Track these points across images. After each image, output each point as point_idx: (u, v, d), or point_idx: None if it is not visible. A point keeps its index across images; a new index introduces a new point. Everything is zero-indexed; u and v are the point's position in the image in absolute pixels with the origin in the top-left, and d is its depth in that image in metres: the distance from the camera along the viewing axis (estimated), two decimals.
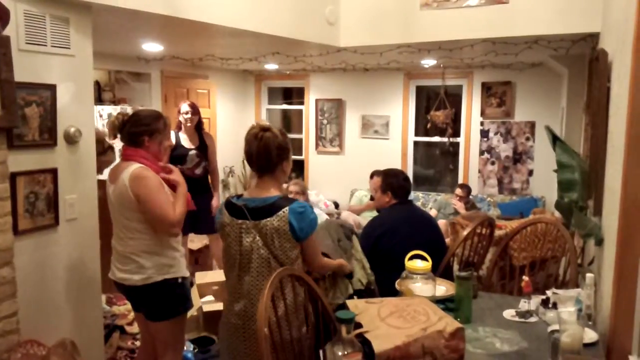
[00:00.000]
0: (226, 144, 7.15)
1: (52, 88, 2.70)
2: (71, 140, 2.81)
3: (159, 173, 2.55)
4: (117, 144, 2.88)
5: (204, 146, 4.78)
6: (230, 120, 7.64)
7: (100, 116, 5.42)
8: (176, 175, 2.62)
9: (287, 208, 2.09)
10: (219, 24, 3.63)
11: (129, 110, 5.63)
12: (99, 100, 5.67)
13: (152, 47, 5.05)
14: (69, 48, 2.79)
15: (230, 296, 2.18)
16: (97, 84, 5.70)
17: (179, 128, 4.72)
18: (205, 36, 4.34)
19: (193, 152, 4.70)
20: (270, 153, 2.15)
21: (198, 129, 4.80)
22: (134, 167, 2.47)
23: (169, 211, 2.44)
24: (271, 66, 7.00)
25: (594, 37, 3.98)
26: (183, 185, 2.62)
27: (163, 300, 2.56)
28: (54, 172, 2.74)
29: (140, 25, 3.80)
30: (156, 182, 2.47)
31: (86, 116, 2.94)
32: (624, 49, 2.30)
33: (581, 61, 4.91)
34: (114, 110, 5.61)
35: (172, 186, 2.60)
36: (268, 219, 2.08)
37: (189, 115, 4.68)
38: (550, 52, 4.92)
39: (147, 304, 2.60)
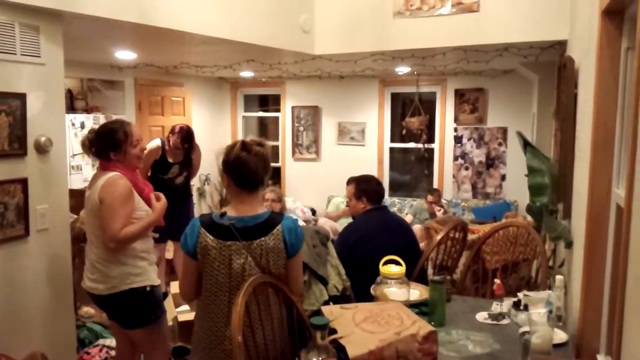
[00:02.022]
0: (202, 152, 7.10)
1: (21, 97, 2.65)
2: (42, 149, 2.77)
3: (139, 188, 2.58)
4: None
5: (188, 160, 4.82)
6: (206, 128, 7.59)
7: (73, 125, 5.34)
8: (159, 205, 2.64)
9: (280, 225, 2.01)
10: (192, 31, 3.62)
11: (102, 119, 5.59)
12: (72, 109, 5.58)
13: (125, 54, 5.01)
14: (39, 56, 2.75)
15: (219, 322, 2.01)
16: (69, 92, 5.61)
17: (168, 142, 4.70)
18: (179, 44, 4.33)
19: (176, 166, 4.73)
20: (267, 167, 2.08)
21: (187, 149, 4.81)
22: (111, 174, 2.51)
23: (115, 225, 2.42)
24: (247, 74, 6.99)
25: (562, 45, 4.08)
26: (157, 213, 2.62)
27: (133, 309, 2.56)
28: (24, 182, 2.69)
29: (112, 33, 3.76)
30: (124, 193, 2.48)
31: (57, 125, 2.90)
32: (588, 57, 2.37)
33: (551, 68, 5.02)
34: (87, 119, 5.54)
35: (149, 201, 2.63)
36: (262, 238, 1.99)
37: (180, 149, 4.68)
38: (520, 60, 5.03)
39: (117, 313, 2.61)
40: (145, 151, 3.16)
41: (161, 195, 2.72)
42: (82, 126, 5.47)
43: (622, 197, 1.77)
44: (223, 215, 2.02)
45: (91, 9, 2.89)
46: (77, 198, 3.75)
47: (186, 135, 4.68)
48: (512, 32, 4.07)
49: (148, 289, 2.57)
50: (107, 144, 2.56)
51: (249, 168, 2.02)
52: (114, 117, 5.65)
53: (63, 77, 2.93)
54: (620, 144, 1.96)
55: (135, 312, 2.56)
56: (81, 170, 5.35)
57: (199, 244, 2.00)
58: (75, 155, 5.33)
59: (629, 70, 1.89)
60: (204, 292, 2.05)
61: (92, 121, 5.58)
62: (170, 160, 4.71)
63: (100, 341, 3.55)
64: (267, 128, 8.42)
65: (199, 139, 5.05)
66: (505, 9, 4.06)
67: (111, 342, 3.46)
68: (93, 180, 2.60)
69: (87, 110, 5.80)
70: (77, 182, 5.27)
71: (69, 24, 3.00)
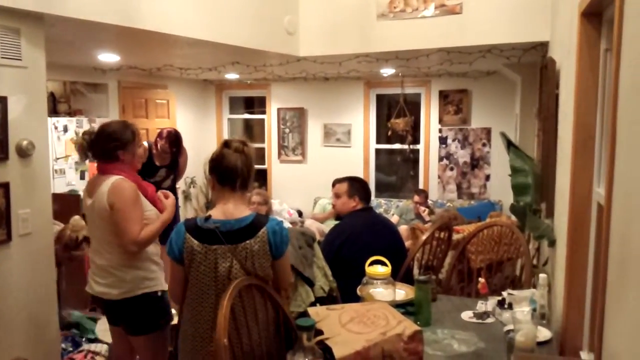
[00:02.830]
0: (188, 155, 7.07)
1: (2, 100, 2.61)
2: (24, 153, 2.73)
3: (142, 189, 2.56)
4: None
5: (175, 164, 4.80)
6: (191, 131, 7.55)
7: (55, 128, 5.28)
8: (170, 202, 2.65)
9: (265, 228, 2.01)
10: (176, 34, 3.60)
11: (85, 122, 5.53)
12: (54, 112, 5.52)
13: (108, 57, 4.97)
14: (20, 59, 2.71)
15: (206, 325, 2.00)
16: (52, 95, 5.55)
17: (155, 145, 4.66)
18: (162, 46, 4.30)
19: (162, 169, 4.71)
20: (252, 167, 2.10)
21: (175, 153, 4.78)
22: (115, 178, 2.47)
23: (133, 227, 2.41)
24: (232, 76, 6.98)
25: (544, 46, 4.13)
26: (169, 212, 2.62)
27: (143, 314, 2.55)
28: (5, 186, 2.65)
29: (95, 35, 3.73)
30: (133, 196, 2.46)
31: (39, 129, 2.86)
32: (569, 58, 2.40)
33: (533, 69, 5.08)
34: (69, 122, 5.48)
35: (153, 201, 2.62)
36: (248, 241, 1.99)
37: (167, 153, 4.65)
38: (503, 61, 5.08)
39: (126, 318, 2.58)
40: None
41: (169, 193, 2.72)
42: (65, 129, 5.41)
43: (602, 195, 1.80)
44: (208, 218, 2.02)
45: (73, 11, 2.87)
46: (60, 202, 3.71)
47: (174, 140, 4.66)
48: (495, 34, 4.11)
49: (159, 293, 2.56)
50: (118, 143, 2.51)
51: (229, 161, 2.04)
52: (98, 120, 5.60)
53: (45, 80, 2.90)
54: (600, 144, 1.99)
55: (145, 317, 2.54)
56: (64, 174, 5.30)
57: (185, 249, 2.00)
58: (58, 159, 5.28)
59: (608, 71, 1.92)
60: (189, 296, 2.05)
61: (75, 124, 5.53)
62: (157, 163, 4.68)
63: (85, 346, 3.51)
64: (252, 130, 8.40)
65: (184, 141, 5.03)
66: (488, 11, 4.10)
67: (96, 347, 3.43)
68: (93, 185, 2.54)
69: (70, 113, 5.74)
70: (60, 186, 5.22)
71: (51, 26, 2.97)
